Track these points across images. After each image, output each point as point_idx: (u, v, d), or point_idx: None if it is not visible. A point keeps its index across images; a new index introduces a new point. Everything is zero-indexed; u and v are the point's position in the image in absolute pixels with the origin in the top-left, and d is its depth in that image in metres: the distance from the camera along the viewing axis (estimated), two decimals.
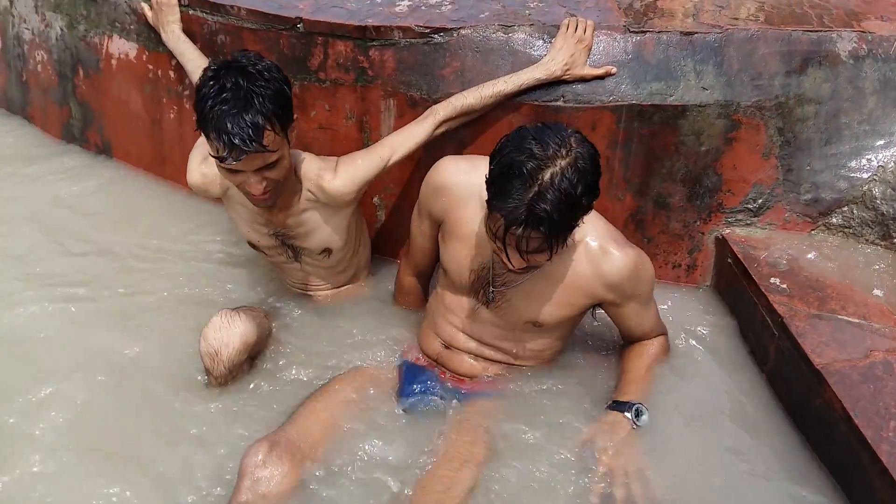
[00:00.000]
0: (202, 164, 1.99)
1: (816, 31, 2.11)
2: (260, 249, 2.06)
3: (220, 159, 1.66)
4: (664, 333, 1.90)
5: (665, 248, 2.19)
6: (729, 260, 2.07)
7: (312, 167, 1.91)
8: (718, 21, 2.14)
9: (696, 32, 2.09)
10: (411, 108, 2.13)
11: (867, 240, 2.06)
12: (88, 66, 2.73)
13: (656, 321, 1.86)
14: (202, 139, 1.99)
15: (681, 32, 2.09)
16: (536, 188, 1.41)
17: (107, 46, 2.63)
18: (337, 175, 1.90)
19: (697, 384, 1.85)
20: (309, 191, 1.91)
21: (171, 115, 2.52)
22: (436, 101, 2.10)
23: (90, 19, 2.67)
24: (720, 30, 2.09)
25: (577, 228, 1.52)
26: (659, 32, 2.09)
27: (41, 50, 2.95)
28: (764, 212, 2.13)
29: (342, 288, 2.16)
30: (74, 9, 2.71)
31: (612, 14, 2.20)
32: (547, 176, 1.41)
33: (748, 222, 2.14)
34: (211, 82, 1.66)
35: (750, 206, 2.13)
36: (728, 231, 2.13)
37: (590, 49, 2.06)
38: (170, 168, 2.61)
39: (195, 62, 2.21)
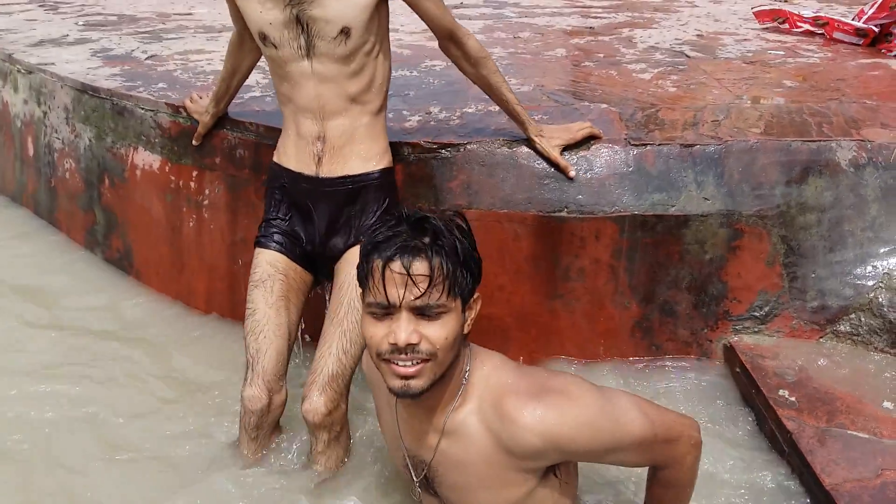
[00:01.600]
0: None
1: (816, 140, 2.17)
2: (270, 41, 1.88)
3: None
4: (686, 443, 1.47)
5: (674, 355, 2.18)
6: (738, 370, 2.07)
7: None
8: (718, 132, 2.21)
9: (696, 144, 2.15)
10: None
11: (876, 347, 2.05)
12: (114, 175, 2.85)
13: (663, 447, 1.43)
14: None
15: (681, 144, 2.15)
16: (413, 220, 1.35)
17: (132, 157, 2.76)
18: None
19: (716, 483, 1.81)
20: None
21: (191, 224, 2.61)
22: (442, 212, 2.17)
23: (117, 132, 2.81)
24: (719, 141, 2.16)
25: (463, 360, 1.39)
26: (659, 145, 2.16)
27: (70, 158, 3.09)
28: (771, 319, 2.13)
29: (357, 117, 1.93)
30: (103, 121, 2.86)
31: (614, 126, 2.28)
32: (427, 224, 1.35)
33: (756, 329, 2.14)
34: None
35: (757, 313, 2.13)
36: (736, 339, 2.13)
37: (571, 140, 2.13)
38: (186, 275, 2.69)
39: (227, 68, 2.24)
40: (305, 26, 1.83)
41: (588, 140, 2.15)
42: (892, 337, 2.03)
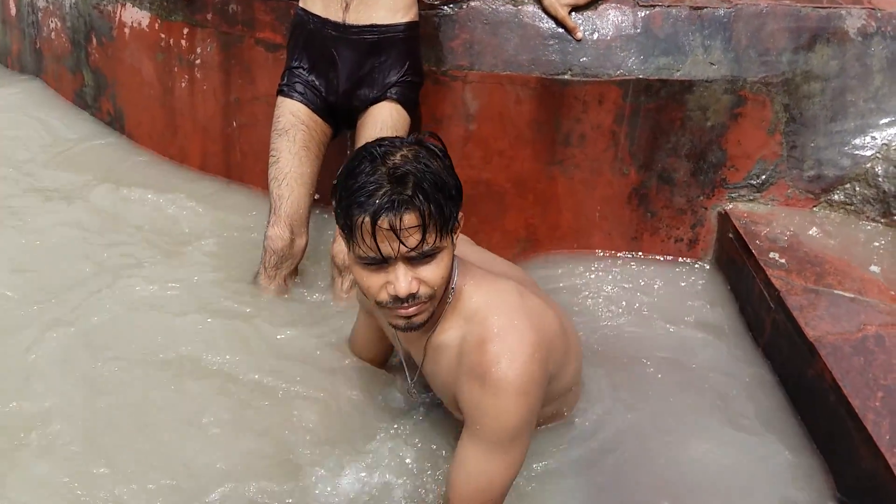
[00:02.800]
0: None
1: (826, 7, 2.12)
2: None
3: None
4: None
5: (668, 222, 2.22)
6: (730, 235, 2.10)
7: None
8: None
9: (706, 7, 2.10)
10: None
11: (868, 217, 2.09)
12: (101, 34, 2.76)
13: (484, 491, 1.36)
14: None
15: (690, 7, 2.10)
16: (393, 168, 1.25)
17: (120, 14, 2.66)
18: None
19: (694, 355, 1.89)
20: None
21: (183, 84, 2.55)
22: (444, 73, 2.14)
23: None
24: (730, 4, 2.10)
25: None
26: (668, 6, 2.10)
27: (55, 18, 2.98)
28: (767, 188, 2.15)
29: None
30: None
31: None
32: (397, 158, 1.27)
33: (751, 198, 2.17)
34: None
35: (753, 181, 2.15)
36: (731, 207, 2.16)
37: (579, 2, 2.07)
38: (180, 138, 2.65)
39: None
40: None
41: (596, 0, 2.09)
42: (885, 206, 2.07)
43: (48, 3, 3.00)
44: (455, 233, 1.34)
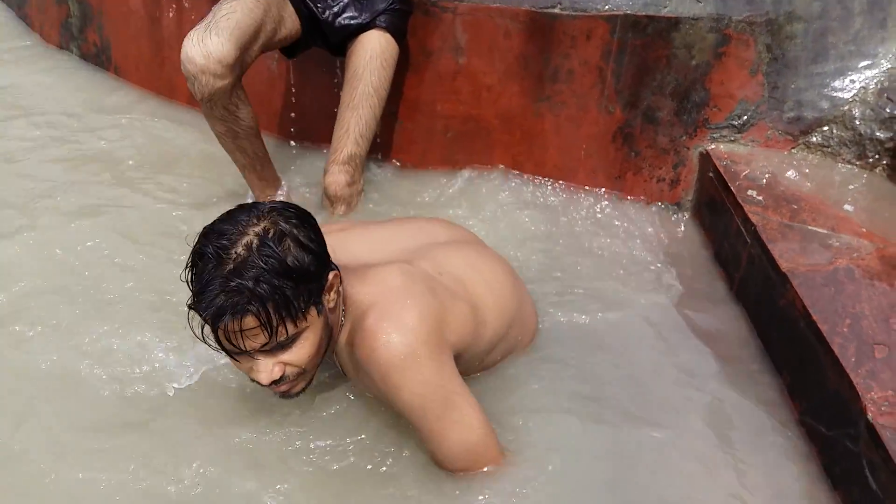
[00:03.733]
0: None
1: None
2: None
3: None
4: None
5: (651, 162, 2.26)
6: (711, 174, 2.16)
7: None
8: None
9: None
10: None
11: (844, 159, 2.14)
12: None
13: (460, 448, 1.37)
14: None
15: None
16: (231, 265, 1.18)
17: None
18: None
19: (667, 292, 1.97)
20: None
21: (170, 14, 2.53)
22: (434, 4, 2.15)
23: None
24: None
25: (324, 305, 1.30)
26: None
27: None
28: (748, 129, 2.20)
29: None
30: None
31: None
32: (240, 248, 1.19)
33: (732, 139, 2.21)
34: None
35: (735, 122, 2.19)
36: (712, 147, 2.20)
37: None
38: (167, 70, 2.64)
39: None
40: None
41: None
42: (860, 149, 2.12)
43: None
44: (324, 298, 1.29)
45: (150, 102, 2.67)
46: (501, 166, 2.33)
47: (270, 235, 1.21)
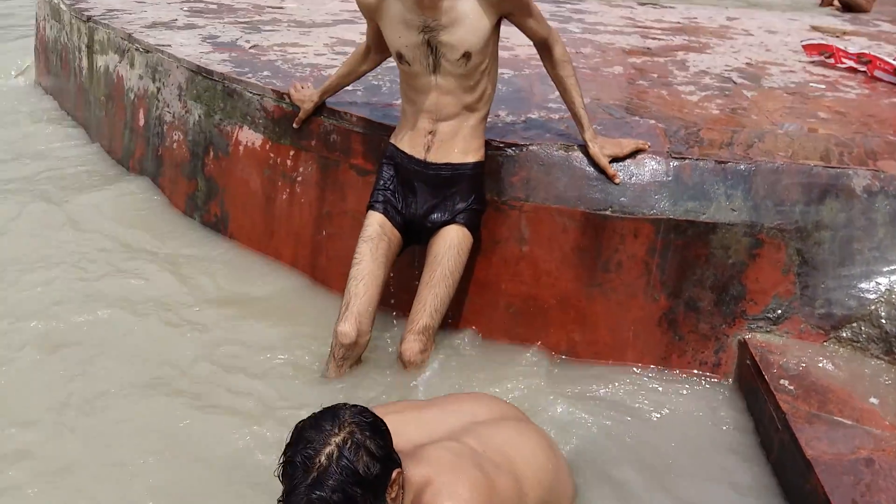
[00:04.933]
0: None
1: (835, 167, 2.46)
2: (405, 61, 2.33)
3: None
4: None
5: (694, 346, 2.50)
6: (748, 362, 2.38)
7: None
8: (749, 153, 2.51)
9: (729, 161, 2.46)
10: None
11: (873, 354, 2.34)
12: (219, 148, 3.28)
13: None
14: None
15: (715, 160, 2.47)
16: (315, 474, 1.41)
17: (237, 134, 3.18)
18: None
19: (710, 469, 2.14)
20: None
21: (284, 196, 3.02)
22: (504, 203, 2.53)
23: (226, 111, 3.23)
24: (750, 161, 2.46)
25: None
26: (696, 159, 2.47)
27: (179, 131, 3.53)
28: (782, 321, 2.43)
29: (466, 121, 2.38)
30: (214, 101, 3.29)
31: (659, 140, 2.60)
32: (323, 458, 1.42)
33: (768, 329, 2.45)
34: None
35: (770, 315, 2.44)
36: (749, 336, 2.44)
37: (621, 153, 2.46)
38: (275, 240, 3.10)
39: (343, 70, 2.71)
40: (434, 49, 2.28)
41: (636, 152, 2.49)
42: (887, 346, 2.32)
43: (174, 119, 3.57)
44: (388, 495, 1.49)
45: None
46: (556, 347, 2.60)
47: (348, 446, 1.44)
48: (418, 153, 2.42)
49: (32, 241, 3.25)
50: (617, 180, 2.44)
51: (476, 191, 2.45)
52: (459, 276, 2.42)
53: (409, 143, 2.44)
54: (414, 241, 2.53)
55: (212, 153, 3.32)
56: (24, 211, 3.51)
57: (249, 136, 3.12)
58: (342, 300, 2.41)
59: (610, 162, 2.45)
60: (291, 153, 2.96)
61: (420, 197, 2.44)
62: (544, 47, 2.41)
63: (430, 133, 2.39)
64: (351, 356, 2.39)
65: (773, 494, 2.03)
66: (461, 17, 2.23)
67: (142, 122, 3.86)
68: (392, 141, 2.50)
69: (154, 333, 2.66)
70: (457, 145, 2.40)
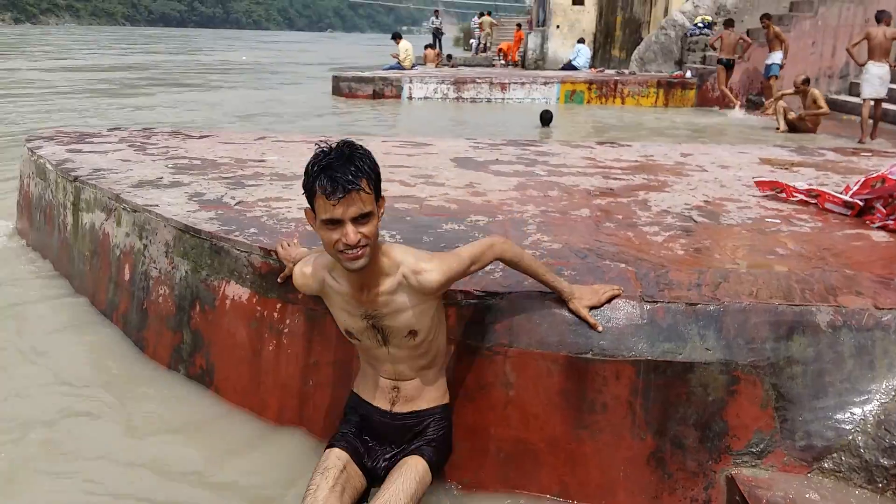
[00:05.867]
0: (303, 267, 2.43)
1: (799, 305, 2.61)
2: (354, 337, 2.41)
3: (326, 196, 2.05)
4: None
5: (683, 483, 2.54)
6: (738, 497, 2.42)
7: (409, 257, 2.27)
8: (717, 293, 2.67)
9: (699, 303, 2.61)
10: (467, 354, 2.64)
11: (856, 483, 2.40)
12: (205, 302, 3.36)
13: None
14: (304, 260, 2.48)
15: (686, 303, 2.61)
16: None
17: (224, 289, 3.27)
18: (433, 267, 2.24)
19: None
20: (403, 275, 2.25)
21: (270, 348, 3.08)
22: (488, 349, 2.62)
23: (213, 267, 3.34)
24: (718, 302, 2.61)
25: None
26: (668, 302, 2.61)
27: (165, 286, 3.62)
28: (766, 455, 2.50)
29: (425, 378, 2.47)
30: (201, 258, 3.40)
31: (631, 284, 2.75)
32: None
33: (753, 464, 2.50)
34: (320, 154, 2.11)
35: (753, 449, 2.50)
36: (736, 471, 2.49)
37: (598, 303, 2.59)
38: (262, 391, 3.12)
39: None
40: (380, 329, 2.36)
41: (611, 299, 2.62)
42: (869, 475, 2.39)
43: (160, 274, 3.66)
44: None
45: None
46: (550, 493, 2.62)
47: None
48: (383, 405, 2.50)
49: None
50: (599, 329, 2.56)
51: (442, 432, 2.52)
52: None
53: (373, 396, 2.52)
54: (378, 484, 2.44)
55: (198, 307, 3.39)
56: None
57: (236, 290, 3.21)
58: None
59: (590, 311, 2.57)
60: (278, 306, 3.05)
61: (385, 445, 2.50)
62: (497, 257, 2.44)
63: (393, 389, 2.49)
64: None
65: None
66: (400, 307, 2.29)
67: (127, 276, 3.94)
68: (356, 391, 2.59)
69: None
70: (423, 396, 2.50)
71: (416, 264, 2.24)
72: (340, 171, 2.05)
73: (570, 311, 2.58)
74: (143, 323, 3.78)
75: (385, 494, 2.28)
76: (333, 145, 2.14)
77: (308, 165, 2.13)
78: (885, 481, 2.36)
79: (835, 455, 2.46)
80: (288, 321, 3.03)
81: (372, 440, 2.50)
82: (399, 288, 2.27)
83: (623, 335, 2.57)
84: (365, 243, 2.12)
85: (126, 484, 2.70)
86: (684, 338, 2.55)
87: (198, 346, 3.41)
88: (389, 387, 2.48)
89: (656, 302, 2.62)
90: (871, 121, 10.22)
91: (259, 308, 3.12)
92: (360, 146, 2.16)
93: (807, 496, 2.37)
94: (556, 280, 2.58)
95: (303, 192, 2.16)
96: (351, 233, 2.08)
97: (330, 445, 2.48)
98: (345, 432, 2.51)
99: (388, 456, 2.49)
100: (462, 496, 2.64)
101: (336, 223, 2.09)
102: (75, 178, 4.60)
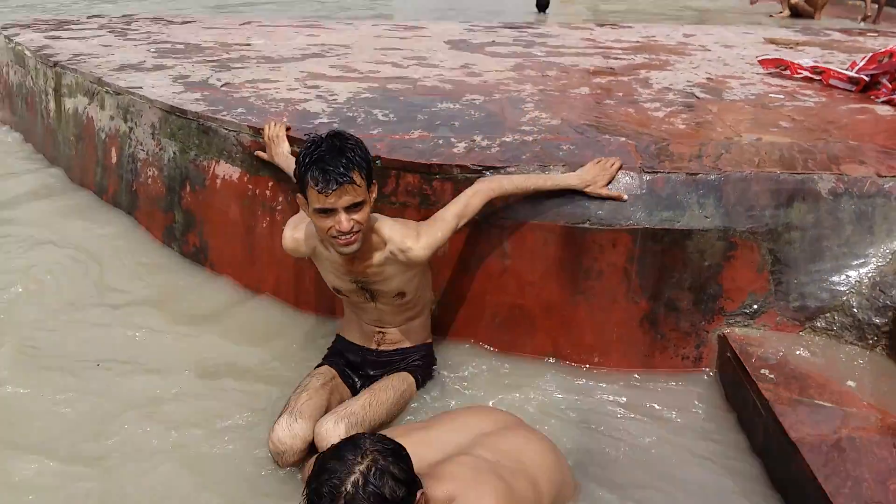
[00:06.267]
0: (293, 231, 2.41)
1: (801, 173, 2.57)
2: (342, 293, 2.44)
3: (318, 190, 2.04)
4: None
5: (675, 342, 2.58)
6: (729, 354, 2.46)
7: (396, 232, 2.26)
8: (718, 164, 2.62)
9: (700, 173, 2.56)
10: (463, 228, 2.60)
11: (847, 340, 2.44)
12: (195, 183, 3.30)
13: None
14: (293, 217, 2.46)
15: (686, 173, 2.57)
16: (342, 502, 1.45)
17: (213, 168, 3.21)
18: (419, 243, 2.25)
19: (697, 457, 2.20)
20: (391, 251, 2.26)
21: (264, 225, 3.05)
22: (486, 222, 2.59)
23: (201, 147, 3.27)
24: (719, 171, 2.57)
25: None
26: (668, 172, 2.57)
27: (153, 168, 3.55)
28: (759, 315, 2.53)
29: (411, 325, 2.51)
30: (188, 138, 3.32)
31: (631, 156, 2.70)
32: (349, 486, 1.45)
33: (746, 324, 2.54)
34: (312, 146, 2.11)
35: (747, 310, 2.53)
36: (728, 331, 2.52)
37: (611, 178, 2.53)
38: (258, 268, 3.12)
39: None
40: (370, 291, 2.39)
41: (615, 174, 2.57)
42: (860, 332, 2.42)
43: (148, 156, 3.59)
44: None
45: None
46: (542, 352, 2.67)
47: (372, 473, 1.48)
48: (368, 345, 2.54)
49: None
50: (625, 197, 2.52)
51: (428, 361, 2.57)
52: (395, 409, 2.36)
53: (358, 338, 2.55)
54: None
55: (188, 187, 3.34)
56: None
57: (226, 170, 3.15)
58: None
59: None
60: (270, 184, 3.00)
61: (372, 376, 2.50)
62: (487, 199, 2.42)
63: (377, 333, 2.52)
64: (292, 460, 2.19)
65: (759, 479, 2.10)
66: (389, 276, 2.33)
67: (114, 160, 3.87)
68: (340, 334, 2.61)
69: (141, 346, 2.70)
70: (408, 339, 2.53)
71: (402, 242, 2.25)
72: (332, 164, 2.05)
73: (589, 195, 2.53)
74: (133, 205, 3.75)
75: (366, 394, 2.32)
76: (324, 136, 2.11)
77: (299, 156, 2.12)
78: (876, 338, 2.40)
79: (827, 315, 2.49)
80: (281, 198, 2.98)
81: (358, 379, 2.53)
82: (387, 261, 2.30)
83: (621, 205, 2.53)
84: (357, 229, 2.13)
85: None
86: (683, 206, 2.52)
87: (190, 225, 3.38)
88: (374, 332, 2.53)
89: (656, 172, 2.57)
90: (875, 5, 9.90)
91: (251, 186, 3.07)
92: (351, 136, 2.15)
93: (797, 353, 2.41)
94: (561, 179, 2.54)
95: (294, 180, 2.15)
96: (344, 221, 2.09)
97: (317, 367, 2.52)
98: (332, 360, 2.54)
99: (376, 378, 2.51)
100: (460, 350, 2.70)
101: (329, 212, 2.10)
102: (55, 64, 4.45)
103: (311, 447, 2.17)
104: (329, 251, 2.30)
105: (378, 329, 2.51)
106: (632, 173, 2.58)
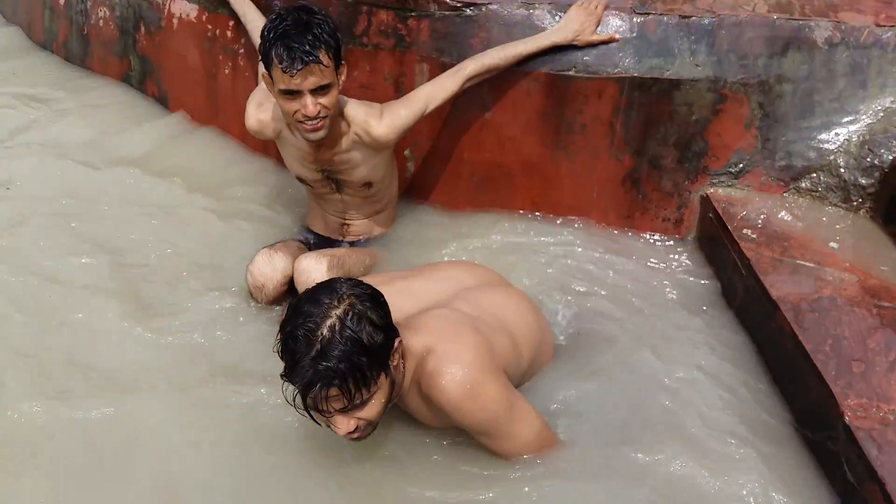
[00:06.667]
0: (258, 110, 2.28)
1: (797, 19, 2.42)
2: (307, 183, 2.38)
3: (283, 69, 1.93)
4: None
5: (657, 203, 2.52)
6: (711, 215, 2.41)
7: (359, 112, 2.19)
8: (713, 7, 2.45)
9: (693, 16, 2.40)
10: (442, 72, 2.44)
11: (831, 202, 2.39)
12: (150, 23, 3.04)
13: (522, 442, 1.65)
14: (257, 89, 2.30)
15: (679, 15, 2.40)
16: (318, 346, 1.40)
17: (169, 7, 2.94)
18: (382, 122, 2.19)
19: (675, 316, 2.20)
20: (356, 133, 2.20)
21: (227, 71, 2.84)
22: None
23: None
24: (714, 14, 2.40)
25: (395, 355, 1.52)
26: (660, 14, 2.40)
27: (104, 7, 3.25)
28: (743, 175, 2.45)
29: (375, 217, 2.47)
30: None
31: None
32: (325, 331, 1.40)
33: (729, 184, 2.47)
34: (277, 19, 1.98)
35: (731, 169, 2.45)
36: (712, 191, 2.46)
37: (598, 21, 2.36)
38: (222, 118, 2.94)
39: (255, 22, 2.51)
40: (335, 181, 2.32)
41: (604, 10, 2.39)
42: (845, 193, 2.37)
43: None
44: (391, 363, 1.50)
45: None
46: (521, 211, 2.59)
47: (350, 318, 1.42)
48: (334, 235, 2.48)
49: None
50: (617, 37, 2.36)
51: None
52: (371, 266, 2.34)
53: (323, 229, 2.49)
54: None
55: (143, 29, 3.08)
56: None
57: (183, 8, 2.89)
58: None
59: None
60: (232, 24, 2.76)
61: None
62: (466, 79, 2.30)
63: (343, 225, 2.46)
64: (271, 296, 2.18)
65: (737, 334, 2.11)
66: (356, 163, 2.25)
67: (62, 1, 3.54)
68: (307, 224, 2.54)
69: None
70: (372, 231, 2.48)
71: (365, 122, 2.17)
72: (297, 41, 1.92)
73: (581, 45, 2.36)
74: (85, 51, 3.47)
75: (344, 248, 2.33)
76: (290, 9, 1.94)
77: (264, 30, 2.00)
78: (860, 199, 2.35)
79: (813, 175, 2.42)
80: (243, 40, 2.76)
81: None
82: (354, 146, 2.22)
83: (609, 50, 2.38)
84: (325, 115, 2.04)
85: None
86: (674, 53, 2.37)
87: (147, 71, 3.15)
88: (339, 223, 2.47)
89: (647, 14, 2.40)
90: None
91: (210, 27, 2.83)
92: (320, 11, 2.01)
93: (781, 214, 2.36)
94: (545, 39, 2.35)
95: (259, 57, 1.98)
96: (310, 104, 1.99)
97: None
98: (298, 240, 2.47)
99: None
100: (434, 212, 2.62)
101: (294, 94, 1.98)
102: None
103: (291, 289, 2.14)
104: (295, 136, 2.20)
105: (343, 221, 2.45)
106: (622, 14, 2.40)
